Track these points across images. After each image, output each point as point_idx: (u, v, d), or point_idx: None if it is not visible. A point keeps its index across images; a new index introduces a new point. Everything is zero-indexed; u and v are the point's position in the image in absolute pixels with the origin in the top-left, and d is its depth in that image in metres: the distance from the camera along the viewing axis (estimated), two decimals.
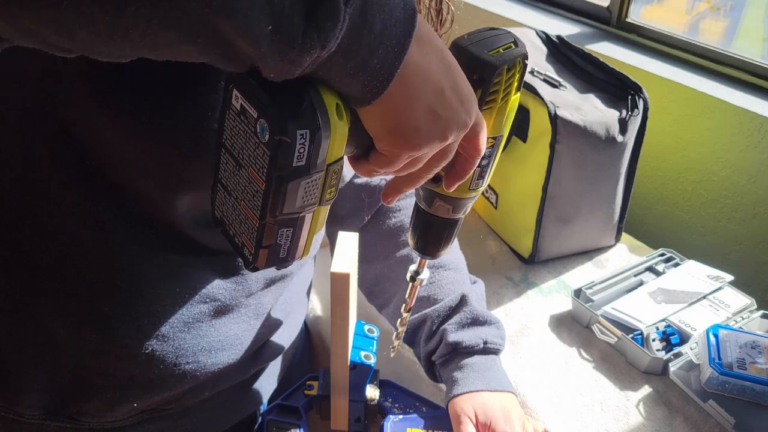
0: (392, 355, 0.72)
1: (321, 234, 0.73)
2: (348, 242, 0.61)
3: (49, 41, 0.32)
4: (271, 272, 0.63)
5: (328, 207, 0.44)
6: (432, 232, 0.54)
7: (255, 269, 0.43)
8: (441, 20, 0.59)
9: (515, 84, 0.46)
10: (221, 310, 0.60)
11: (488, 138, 0.47)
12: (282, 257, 0.43)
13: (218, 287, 0.59)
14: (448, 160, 0.44)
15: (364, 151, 0.43)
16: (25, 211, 0.51)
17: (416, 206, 0.54)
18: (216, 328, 0.60)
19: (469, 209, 0.54)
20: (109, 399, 0.57)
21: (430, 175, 0.45)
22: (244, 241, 0.43)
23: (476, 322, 0.72)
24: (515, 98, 0.47)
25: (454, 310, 0.73)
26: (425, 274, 0.60)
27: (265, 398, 0.74)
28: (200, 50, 0.33)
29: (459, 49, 0.44)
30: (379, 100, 0.38)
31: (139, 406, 0.59)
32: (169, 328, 0.56)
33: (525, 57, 0.46)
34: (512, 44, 0.45)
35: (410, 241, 0.56)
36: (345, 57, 0.35)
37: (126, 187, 0.51)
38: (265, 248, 0.42)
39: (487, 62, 0.44)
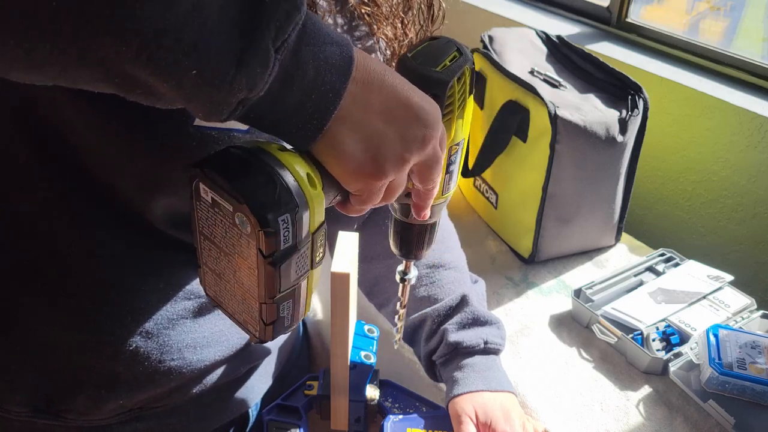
0: (396, 347, 0.72)
1: None
2: (348, 242, 0.61)
3: None
4: None
5: (321, 266, 0.44)
6: (413, 238, 0.56)
7: (263, 342, 0.43)
8: (432, 17, 0.59)
9: (467, 90, 0.47)
10: (206, 307, 0.60)
11: (452, 145, 0.48)
12: (287, 325, 0.43)
13: None
14: (439, 166, 0.44)
15: (345, 195, 0.43)
16: (7, 207, 0.52)
17: (392, 218, 0.55)
18: (201, 324, 0.60)
19: (443, 211, 0.55)
20: (94, 397, 0.58)
21: (434, 183, 0.46)
22: (247, 320, 0.43)
23: (477, 322, 0.73)
24: (470, 102, 0.48)
25: (454, 310, 0.73)
26: (413, 273, 0.61)
27: (258, 397, 0.74)
28: (120, 90, 0.33)
29: (407, 69, 0.44)
30: (327, 143, 0.39)
31: (125, 404, 0.59)
32: (153, 324, 0.57)
33: (471, 63, 0.46)
34: (457, 53, 0.46)
35: (393, 249, 0.57)
36: (275, 101, 0.36)
37: (108, 186, 0.51)
38: (270, 324, 0.42)
39: (437, 80, 0.44)
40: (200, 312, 0.60)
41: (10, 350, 0.55)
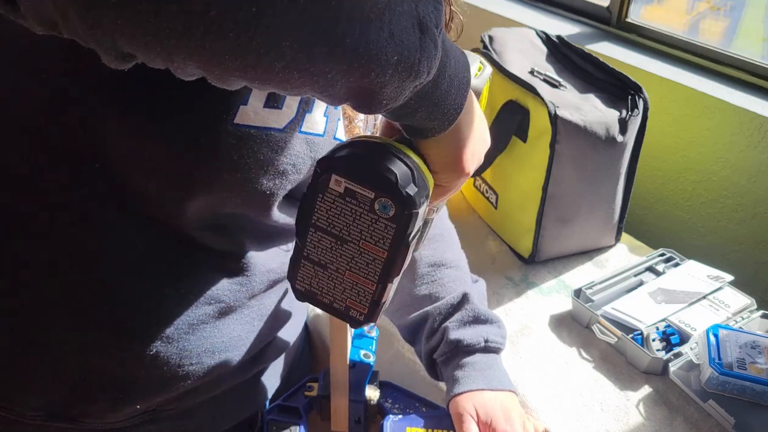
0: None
1: None
2: None
3: (187, 70, 0.32)
4: (275, 274, 0.63)
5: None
6: None
7: (366, 324, 0.47)
8: (447, 30, 0.60)
9: (487, 96, 0.55)
10: (225, 312, 0.60)
11: None
12: (387, 307, 0.47)
13: (223, 289, 0.59)
14: None
15: None
16: (26, 213, 0.51)
17: None
18: (219, 329, 0.60)
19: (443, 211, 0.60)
20: (112, 400, 0.57)
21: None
22: (350, 305, 0.46)
23: (477, 320, 0.73)
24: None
25: (455, 308, 0.73)
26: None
27: (267, 398, 0.74)
28: (318, 90, 0.35)
29: None
30: (451, 130, 0.43)
31: (141, 407, 0.59)
32: (173, 329, 0.56)
33: (489, 74, 0.53)
34: (481, 64, 0.52)
35: None
36: (434, 86, 0.39)
37: (130, 190, 0.51)
38: (382, 305, 0.45)
39: (475, 87, 0.49)
40: (219, 317, 0.59)
41: (28, 356, 0.55)
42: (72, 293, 0.53)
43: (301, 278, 0.47)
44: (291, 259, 0.47)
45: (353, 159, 0.41)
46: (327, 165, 0.41)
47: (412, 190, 0.40)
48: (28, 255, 0.52)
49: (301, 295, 0.48)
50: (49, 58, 0.45)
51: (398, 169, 0.41)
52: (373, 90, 0.36)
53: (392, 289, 0.46)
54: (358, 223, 0.42)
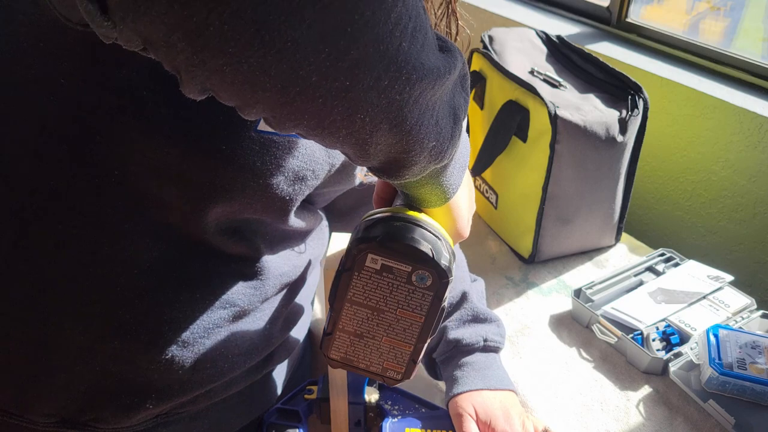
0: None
1: (325, 235, 0.73)
2: (341, 242, 0.62)
3: (252, 113, 0.33)
4: (287, 277, 0.64)
5: None
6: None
7: (402, 381, 0.50)
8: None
9: None
10: (239, 315, 0.60)
11: None
12: (420, 360, 0.50)
13: (237, 293, 0.59)
14: None
15: None
16: (43, 218, 0.51)
17: None
18: (233, 332, 0.60)
19: None
20: (126, 405, 0.57)
21: None
22: (387, 366, 0.50)
23: (476, 319, 0.73)
24: None
25: (454, 307, 0.73)
26: None
27: (276, 397, 0.74)
28: (359, 154, 0.37)
29: None
30: (448, 203, 0.48)
31: (155, 411, 0.59)
32: (189, 333, 0.56)
33: None
34: None
35: None
36: (444, 168, 0.44)
37: (147, 196, 0.50)
38: (418, 362, 0.49)
39: None
40: (234, 320, 0.59)
41: (34, 359, 0.54)
42: (84, 297, 0.53)
43: (336, 348, 0.49)
44: (324, 331, 0.49)
45: (387, 238, 0.44)
46: (364, 246, 0.44)
47: (446, 260, 0.43)
48: (51, 262, 0.52)
49: (337, 363, 0.50)
50: (72, 62, 0.45)
51: (430, 242, 0.44)
52: (403, 164, 0.38)
53: (426, 344, 0.48)
54: (395, 294, 0.45)
